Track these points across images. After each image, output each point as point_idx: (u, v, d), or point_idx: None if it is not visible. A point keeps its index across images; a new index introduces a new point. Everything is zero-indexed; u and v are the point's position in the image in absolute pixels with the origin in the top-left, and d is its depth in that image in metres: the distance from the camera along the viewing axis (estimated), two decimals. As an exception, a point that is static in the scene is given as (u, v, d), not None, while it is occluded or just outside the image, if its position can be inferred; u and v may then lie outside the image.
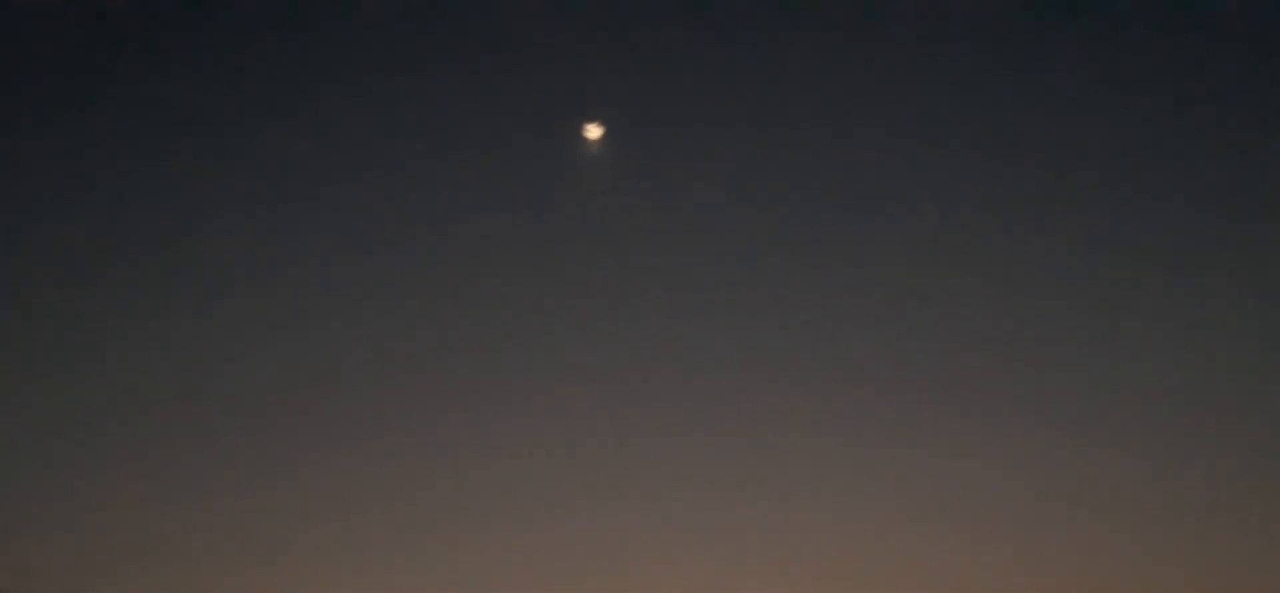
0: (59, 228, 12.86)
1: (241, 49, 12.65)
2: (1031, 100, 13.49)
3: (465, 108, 11.77)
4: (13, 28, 12.34)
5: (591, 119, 10.37)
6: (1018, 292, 13.18)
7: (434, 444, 12.17)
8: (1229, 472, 12.53)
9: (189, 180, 12.74)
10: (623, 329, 12.30)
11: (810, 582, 11.86)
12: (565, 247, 11.97)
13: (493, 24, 11.69)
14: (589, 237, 11.90)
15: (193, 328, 12.58)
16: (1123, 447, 12.60)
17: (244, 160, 12.48)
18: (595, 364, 12.40)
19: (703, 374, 12.32)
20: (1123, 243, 13.87)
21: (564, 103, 10.93)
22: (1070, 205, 13.88)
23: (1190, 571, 12.08)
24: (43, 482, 12.20)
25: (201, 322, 12.58)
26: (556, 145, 10.81)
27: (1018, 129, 13.41)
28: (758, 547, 11.90)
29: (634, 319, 12.34)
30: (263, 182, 12.37)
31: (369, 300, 12.63)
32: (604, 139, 10.47)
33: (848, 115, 12.65)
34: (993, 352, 12.59)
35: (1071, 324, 13.49)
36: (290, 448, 12.19)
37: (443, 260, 12.61)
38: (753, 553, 11.92)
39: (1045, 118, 13.75)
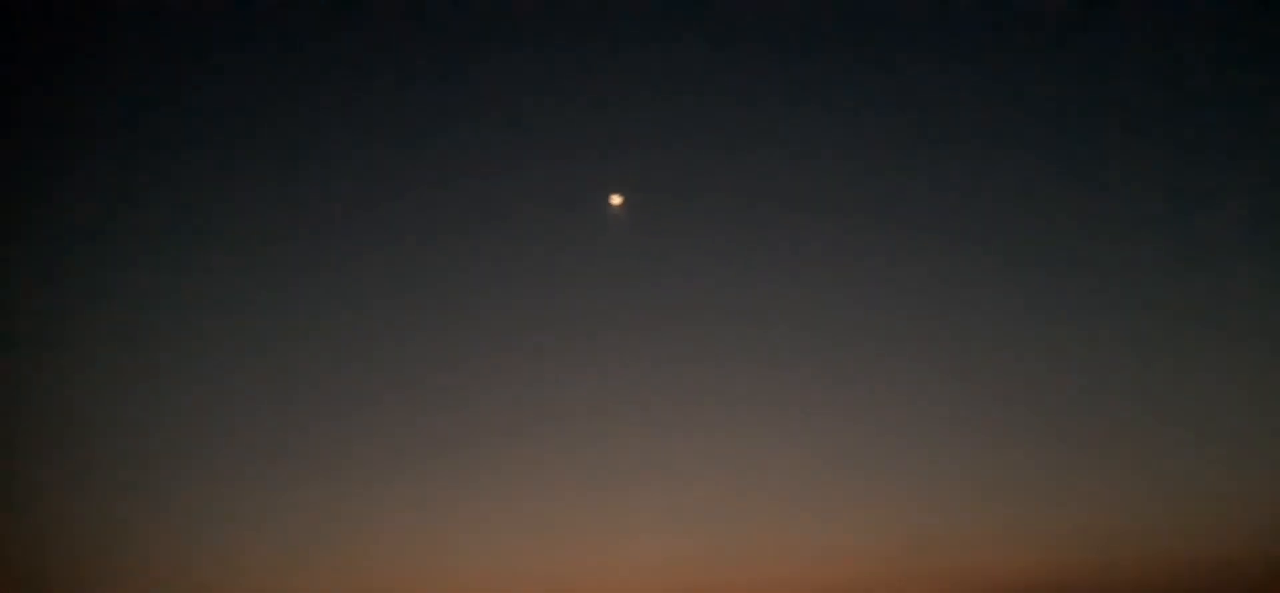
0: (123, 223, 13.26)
1: (310, 130, 13.27)
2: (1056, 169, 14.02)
3: (510, 180, 12.73)
4: (23, 28, 12.42)
5: (615, 190, 11.53)
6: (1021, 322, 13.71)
7: (481, 473, 13.05)
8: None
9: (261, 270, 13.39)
10: (634, 338, 13.26)
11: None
12: (593, 295, 12.98)
13: (530, 108, 12.57)
14: (612, 287, 12.95)
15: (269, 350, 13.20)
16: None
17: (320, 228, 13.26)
18: (611, 370, 13.32)
19: (699, 384, 13.38)
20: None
21: (591, 176, 11.92)
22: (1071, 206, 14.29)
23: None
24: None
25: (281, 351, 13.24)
26: (585, 211, 11.82)
27: (1024, 188, 13.91)
28: (766, 551, 12.91)
29: (653, 358, 13.29)
30: (328, 254, 13.27)
31: (420, 335, 13.43)
32: (625, 206, 11.59)
33: (844, 185, 13.40)
34: (1003, 388, 13.37)
35: (1070, 326, 13.93)
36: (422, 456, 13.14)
37: (484, 307, 13.41)
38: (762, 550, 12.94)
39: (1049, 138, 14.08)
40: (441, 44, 13.24)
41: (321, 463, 12.99)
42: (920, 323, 14.44)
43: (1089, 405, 14.51)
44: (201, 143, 13.32)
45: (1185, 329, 14.54)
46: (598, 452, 13.60)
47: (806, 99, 13.76)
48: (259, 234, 13.59)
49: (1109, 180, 15.00)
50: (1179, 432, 14.37)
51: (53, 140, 12.83)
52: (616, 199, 11.20)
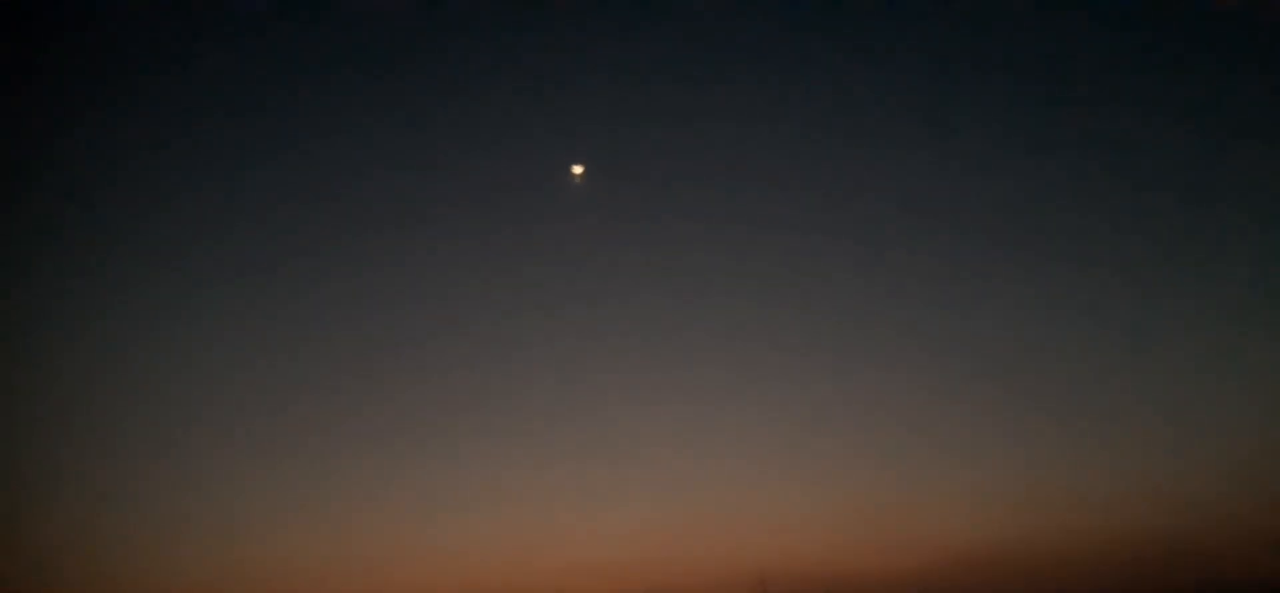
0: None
1: (292, 116, 14.02)
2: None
3: (486, 151, 13.61)
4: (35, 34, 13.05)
5: (576, 161, 12.67)
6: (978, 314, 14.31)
7: (444, 428, 13.66)
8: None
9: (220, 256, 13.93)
10: (598, 320, 14.08)
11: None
12: (556, 255, 13.88)
13: (505, 86, 13.50)
14: (574, 247, 13.81)
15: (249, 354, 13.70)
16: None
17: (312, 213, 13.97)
18: (576, 349, 14.15)
19: (662, 353, 14.22)
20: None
21: (556, 148, 12.84)
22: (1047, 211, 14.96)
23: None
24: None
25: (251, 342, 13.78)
26: (550, 179, 12.74)
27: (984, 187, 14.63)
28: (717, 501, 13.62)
29: (607, 312, 14.17)
30: (321, 224, 14.04)
31: (391, 302, 14.13)
32: (585, 175, 12.75)
33: (811, 165, 14.14)
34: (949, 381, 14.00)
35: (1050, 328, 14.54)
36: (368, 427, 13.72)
37: (461, 263, 14.20)
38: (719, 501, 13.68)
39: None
40: (403, 32, 13.96)
41: (295, 448, 13.41)
42: (885, 300, 14.99)
43: (1050, 379, 15.02)
44: (177, 143, 13.93)
45: (1147, 310, 15.07)
46: (566, 426, 14.21)
47: (774, 82, 14.41)
48: (231, 233, 14.14)
49: (1076, 166, 15.51)
50: (1138, 407, 14.88)
51: (49, 142, 13.34)
52: (577, 169, 12.04)
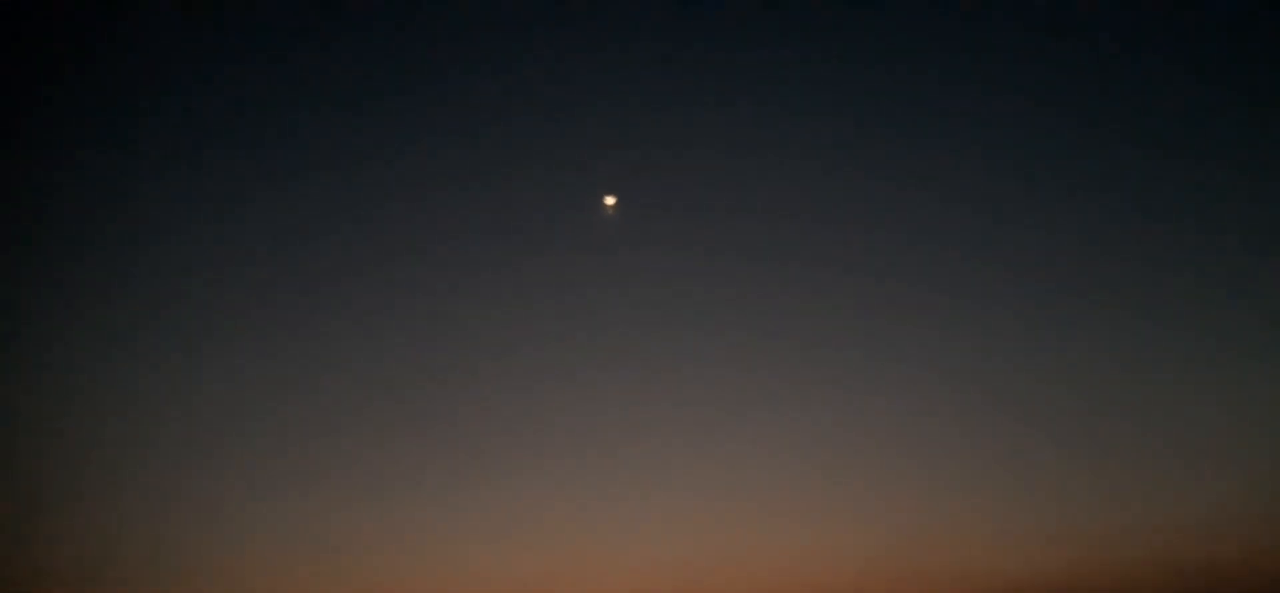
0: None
1: (324, 145, 14.14)
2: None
3: (521, 184, 13.68)
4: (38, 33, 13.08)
5: (608, 193, 12.69)
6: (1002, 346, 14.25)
7: (479, 480, 13.74)
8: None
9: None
10: (629, 345, 14.14)
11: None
12: (589, 283, 13.96)
13: (542, 124, 13.63)
14: (606, 275, 13.85)
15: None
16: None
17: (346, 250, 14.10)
18: (607, 374, 14.23)
19: (689, 382, 14.29)
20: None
21: (589, 180, 12.87)
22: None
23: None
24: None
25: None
26: (584, 210, 12.72)
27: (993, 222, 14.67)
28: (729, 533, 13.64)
29: (639, 337, 14.23)
30: (367, 264, 14.22)
31: (431, 322, 14.25)
32: (617, 206, 12.74)
33: (836, 192, 14.21)
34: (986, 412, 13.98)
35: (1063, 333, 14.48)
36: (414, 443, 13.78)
37: (497, 291, 14.30)
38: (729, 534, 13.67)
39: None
40: (432, 55, 14.07)
41: (323, 471, 13.44)
42: (909, 330, 14.93)
43: (1075, 410, 14.94)
44: (201, 150, 13.93)
45: (1171, 336, 14.99)
46: (591, 457, 14.13)
47: (800, 105, 14.40)
48: (259, 243, 14.19)
49: (1103, 190, 15.52)
50: (1164, 437, 14.80)
51: (55, 144, 13.37)
52: (610, 200, 12.35)
